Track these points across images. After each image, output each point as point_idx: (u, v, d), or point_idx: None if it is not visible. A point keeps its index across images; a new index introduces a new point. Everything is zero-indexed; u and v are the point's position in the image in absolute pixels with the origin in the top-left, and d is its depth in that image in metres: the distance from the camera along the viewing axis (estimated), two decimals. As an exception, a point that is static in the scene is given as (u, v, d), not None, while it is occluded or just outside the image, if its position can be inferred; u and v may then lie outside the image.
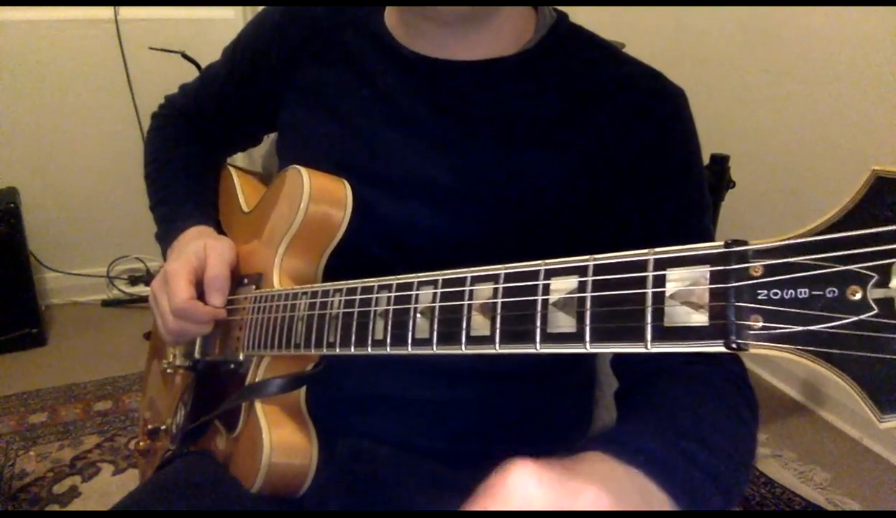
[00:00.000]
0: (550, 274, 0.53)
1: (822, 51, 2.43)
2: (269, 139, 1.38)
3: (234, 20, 3.18)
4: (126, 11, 3.05)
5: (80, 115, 3.16)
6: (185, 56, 2.83)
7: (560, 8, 1.03)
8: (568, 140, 0.93)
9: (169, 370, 1.19)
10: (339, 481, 0.94)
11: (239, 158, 1.42)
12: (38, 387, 2.72)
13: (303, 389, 0.95)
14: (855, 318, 0.37)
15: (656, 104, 0.94)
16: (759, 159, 2.64)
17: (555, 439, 1.07)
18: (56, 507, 2.10)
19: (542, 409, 1.04)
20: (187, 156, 1.26)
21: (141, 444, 1.25)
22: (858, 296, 0.37)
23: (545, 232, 0.94)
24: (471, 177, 0.95)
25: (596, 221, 0.93)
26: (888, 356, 0.36)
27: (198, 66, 2.75)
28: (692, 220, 0.93)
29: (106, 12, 3.02)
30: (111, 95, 3.14)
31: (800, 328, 0.39)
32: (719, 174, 2.15)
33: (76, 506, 2.10)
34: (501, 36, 0.96)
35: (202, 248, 1.04)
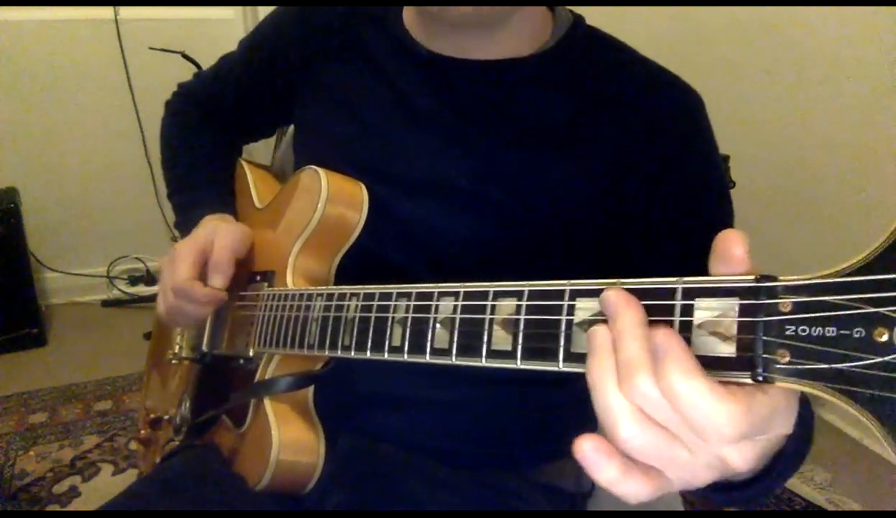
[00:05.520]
0: (576, 294, 0.53)
1: (822, 51, 2.43)
2: (285, 139, 1.38)
3: (234, 20, 3.17)
4: (126, 11, 3.04)
5: (80, 115, 3.15)
6: (185, 56, 2.83)
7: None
8: (586, 143, 0.93)
9: (174, 361, 1.19)
10: (338, 478, 0.95)
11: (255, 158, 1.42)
12: (38, 387, 2.71)
13: (311, 388, 0.95)
14: (880, 359, 0.37)
15: (678, 112, 0.94)
16: (759, 159, 2.64)
17: (557, 441, 1.07)
18: (56, 507, 2.11)
19: (545, 411, 1.04)
20: (205, 145, 1.26)
21: (142, 432, 1.26)
22: (885, 338, 0.37)
23: (562, 236, 0.95)
24: (488, 178, 0.95)
25: (616, 227, 0.93)
26: (911, 398, 0.37)
27: (198, 66, 2.75)
28: (717, 228, 0.93)
29: (106, 12, 3.01)
30: (111, 95, 3.14)
31: (826, 366, 0.40)
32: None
33: (76, 506, 2.12)
34: (519, 36, 0.96)
35: (212, 230, 1.04)
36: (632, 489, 0.48)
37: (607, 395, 0.47)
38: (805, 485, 2.23)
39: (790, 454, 0.54)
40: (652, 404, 0.45)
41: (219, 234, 1.03)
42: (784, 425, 0.47)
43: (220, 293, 1.00)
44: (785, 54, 2.57)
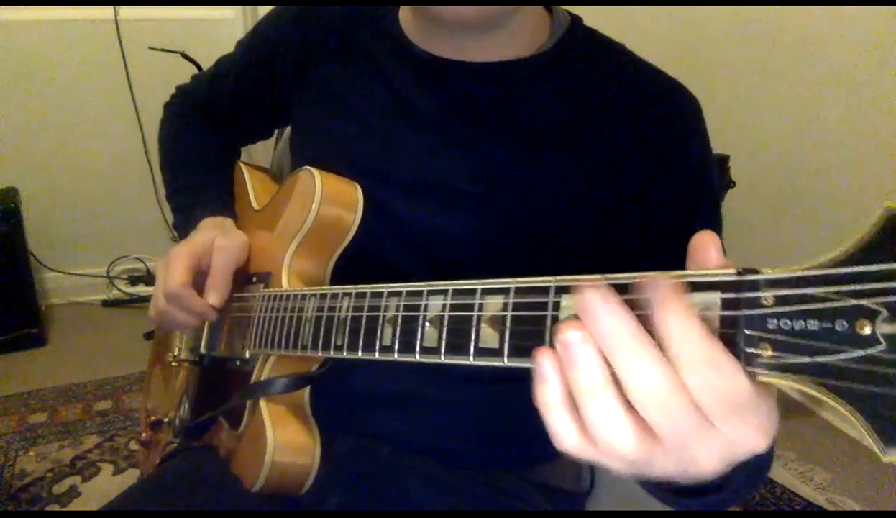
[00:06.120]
0: (561, 291, 0.52)
1: (822, 51, 2.43)
2: (283, 139, 1.38)
3: (234, 20, 3.17)
4: (126, 11, 3.04)
5: (80, 115, 3.15)
6: (185, 56, 2.83)
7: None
8: (583, 145, 0.93)
9: (173, 363, 1.19)
10: (337, 479, 0.95)
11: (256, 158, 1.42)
12: (38, 387, 2.71)
13: (307, 389, 0.95)
14: (863, 353, 0.37)
15: (675, 115, 0.94)
16: (759, 159, 2.64)
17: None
18: (56, 507, 2.11)
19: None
20: (204, 146, 1.26)
21: (143, 435, 1.26)
22: (868, 330, 0.37)
23: (559, 236, 0.94)
24: (485, 179, 0.95)
25: (610, 229, 0.93)
26: (894, 391, 0.37)
27: (198, 66, 2.75)
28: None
29: (106, 12, 3.01)
30: (111, 95, 3.14)
31: (808, 359, 0.39)
32: (719, 174, 2.15)
33: (76, 506, 2.12)
34: (516, 38, 0.96)
35: (210, 240, 1.03)
36: (561, 425, 0.48)
37: (601, 408, 0.46)
38: (805, 485, 2.23)
39: (753, 465, 0.53)
40: (662, 398, 0.44)
41: (218, 248, 1.02)
42: (756, 434, 0.45)
43: (211, 310, 1.00)
44: (785, 54, 2.57)
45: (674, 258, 0.90)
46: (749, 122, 2.71)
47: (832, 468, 2.29)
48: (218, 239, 1.03)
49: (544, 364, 0.47)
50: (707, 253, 0.47)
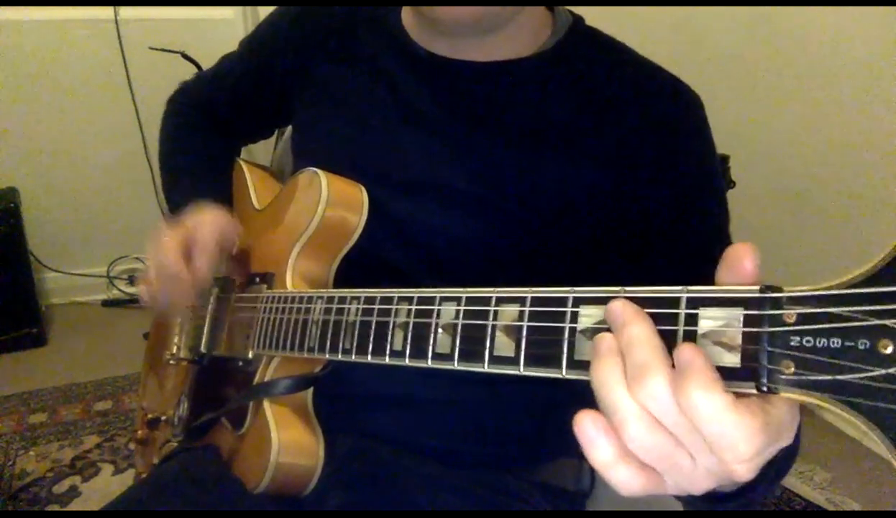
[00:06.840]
0: (579, 302, 0.53)
1: (823, 51, 2.43)
2: (283, 139, 1.38)
3: (234, 20, 3.16)
4: (126, 11, 3.04)
5: (80, 115, 3.14)
6: (185, 56, 2.83)
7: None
8: (585, 144, 0.93)
9: (172, 361, 1.19)
10: (338, 479, 0.95)
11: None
12: (38, 387, 2.71)
13: (310, 390, 0.95)
14: (884, 372, 0.38)
15: (678, 115, 0.94)
16: (759, 159, 2.64)
17: (556, 440, 1.07)
18: (56, 507, 2.10)
19: (544, 410, 1.04)
20: (203, 145, 1.27)
21: (139, 433, 1.25)
22: (890, 349, 0.37)
23: (559, 236, 0.94)
24: (485, 179, 0.94)
25: (611, 229, 0.93)
26: (916, 410, 0.37)
27: (198, 66, 2.75)
28: (713, 233, 0.92)
29: (106, 12, 3.00)
30: (111, 95, 3.13)
31: (830, 377, 0.39)
32: (720, 175, 2.15)
33: (76, 506, 2.11)
34: (518, 38, 0.96)
35: (197, 217, 1.03)
36: (623, 477, 0.48)
37: (615, 396, 0.47)
38: (805, 485, 2.23)
39: (781, 460, 0.54)
40: (661, 407, 0.45)
41: (203, 222, 1.02)
42: (788, 438, 0.47)
43: (204, 277, 1.00)
44: (785, 54, 2.57)
45: (676, 257, 0.91)
46: (749, 122, 2.70)
47: (832, 468, 2.29)
48: (204, 215, 1.04)
49: (587, 428, 0.48)
50: (742, 265, 0.47)
